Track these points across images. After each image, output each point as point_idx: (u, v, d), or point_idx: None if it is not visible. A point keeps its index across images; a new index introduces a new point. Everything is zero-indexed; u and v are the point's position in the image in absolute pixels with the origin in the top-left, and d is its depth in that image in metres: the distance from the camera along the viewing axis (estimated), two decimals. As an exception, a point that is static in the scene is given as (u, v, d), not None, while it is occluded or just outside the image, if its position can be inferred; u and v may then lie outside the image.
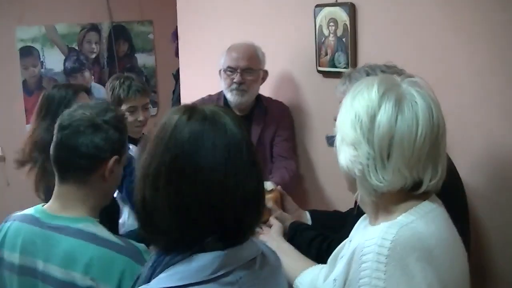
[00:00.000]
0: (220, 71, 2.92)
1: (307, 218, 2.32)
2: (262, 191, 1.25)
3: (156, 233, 1.22)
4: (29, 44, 4.64)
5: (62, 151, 1.61)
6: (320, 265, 1.81)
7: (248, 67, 2.84)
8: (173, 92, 4.24)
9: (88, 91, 2.82)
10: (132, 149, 2.92)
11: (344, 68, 2.55)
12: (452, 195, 1.59)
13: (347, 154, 1.35)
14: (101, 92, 4.98)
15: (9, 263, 1.62)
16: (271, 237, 2.02)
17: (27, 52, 4.65)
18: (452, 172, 1.75)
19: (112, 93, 2.94)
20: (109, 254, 1.52)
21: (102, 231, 1.58)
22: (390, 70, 1.96)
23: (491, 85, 2.04)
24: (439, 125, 1.33)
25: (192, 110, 1.23)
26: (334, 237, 2.02)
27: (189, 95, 3.68)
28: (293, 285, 1.82)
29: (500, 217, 2.07)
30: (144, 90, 2.98)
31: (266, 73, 2.94)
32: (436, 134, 1.32)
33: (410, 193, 1.34)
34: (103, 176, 1.62)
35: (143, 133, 3.07)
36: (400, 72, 1.96)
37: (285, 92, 3.02)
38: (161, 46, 5.12)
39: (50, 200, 1.66)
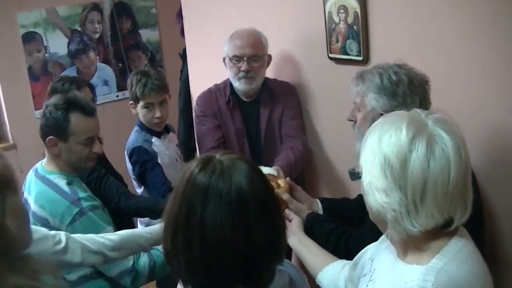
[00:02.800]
0: (224, 59, 2.89)
1: (318, 206, 2.36)
2: (278, 245, 1.28)
3: (183, 275, 1.28)
4: (31, 29, 4.56)
5: None
6: (341, 262, 1.83)
7: (254, 54, 2.81)
8: (181, 71, 4.18)
9: (91, 86, 3.04)
10: (155, 142, 2.94)
11: (357, 56, 2.50)
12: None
13: (378, 199, 1.33)
14: (107, 71, 4.95)
15: (23, 195, 2.29)
16: (293, 232, 2.05)
17: (29, 38, 4.57)
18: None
19: (130, 89, 2.98)
20: (58, 198, 2.18)
21: (61, 182, 2.21)
22: (401, 69, 1.97)
23: (504, 78, 1.99)
24: (467, 163, 1.31)
25: (206, 161, 1.26)
26: (352, 232, 2.07)
27: (197, 75, 3.64)
28: (316, 280, 1.86)
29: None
30: (160, 87, 2.95)
31: (270, 57, 2.93)
32: (465, 173, 1.31)
33: (441, 230, 1.34)
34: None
35: (166, 124, 3.07)
36: (410, 71, 1.98)
37: (297, 79, 2.97)
38: (164, 20, 5.02)
39: None
